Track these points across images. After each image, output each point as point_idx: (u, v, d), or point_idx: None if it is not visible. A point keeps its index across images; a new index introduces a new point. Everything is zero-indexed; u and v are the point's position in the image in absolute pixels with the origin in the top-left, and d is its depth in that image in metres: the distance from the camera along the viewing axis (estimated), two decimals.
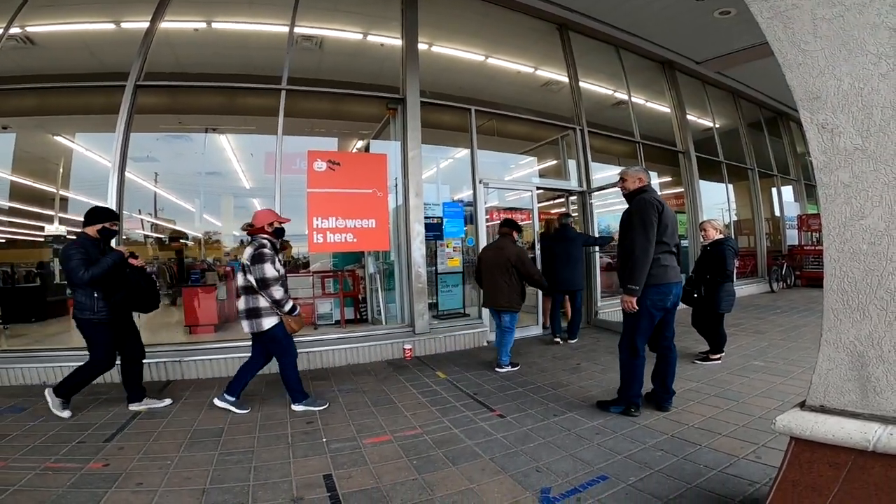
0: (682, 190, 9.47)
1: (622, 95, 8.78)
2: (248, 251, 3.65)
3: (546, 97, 8.09)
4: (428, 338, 5.81)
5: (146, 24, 5.37)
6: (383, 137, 6.77)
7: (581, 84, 7.84)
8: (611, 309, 7.30)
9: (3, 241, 8.24)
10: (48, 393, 3.64)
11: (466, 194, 6.88)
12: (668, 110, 9.57)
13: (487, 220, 6.83)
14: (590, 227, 7.44)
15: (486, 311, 6.24)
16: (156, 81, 5.36)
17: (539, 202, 7.51)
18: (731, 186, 10.76)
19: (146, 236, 10.64)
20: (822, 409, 1.53)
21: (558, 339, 6.11)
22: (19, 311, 7.38)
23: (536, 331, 6.73)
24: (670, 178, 10.12)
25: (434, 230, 6.38)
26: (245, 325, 3.73)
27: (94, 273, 3.44)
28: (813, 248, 11.46)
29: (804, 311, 7.70)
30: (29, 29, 5.56)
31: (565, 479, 2.54)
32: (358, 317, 6.93)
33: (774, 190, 12.42)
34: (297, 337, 4.97)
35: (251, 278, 3.59)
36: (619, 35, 8.30)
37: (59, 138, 7.89)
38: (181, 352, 4.92)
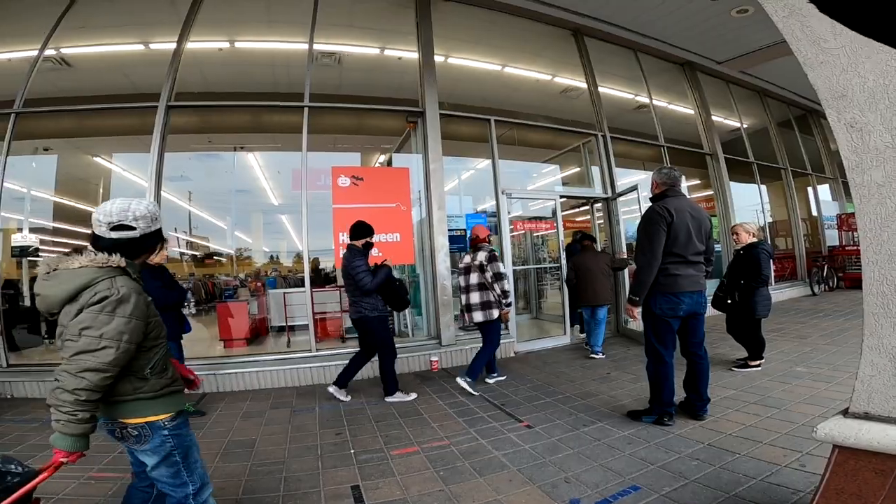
0: (712, 192, 9.23)
1: (643, 99, 8.65)
2: (482, 255, 4.60)
3: (565, 104, 8.06)
4: (454, 349, 5.80)
5: (173, 45, 5.62)
6: (405, 151, 6.85)
7: (600, 89, 7.77)
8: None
9: None
10: (333, 389, 4.45)
11: (489, 205, 6.88)
12: (692, 112, 9.39)
13: (511, 231, 6.79)
14: (615, 235, 7.31)
15: (512, 322, 6.20)
16: (186, 102, 5.59)
17: (563, 210, 7.43)
18: (763, 187, 10.39)
19: (181, 253, 11.00)
20: (867, 416, 1.45)
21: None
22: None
23: (565, 340, 6.63)
24: (699, 181, 9.88)
25: (458, 242, 6.39)
26: (479, 316, 4.61)
27: (377, 282, 4.29)
28: (855, 248, 10.92)
29: (849, 314, 7.33)
30: (63, 51, 5.88)
31: (595, 489, 2.48)
32: None
33: (810, 189, 11.96)
34: (327, 351, 5.10)
35: (488, 275, 4.53)
36: (634, 38, 8.22)
37: (97, 159, 8.28)
38: (216, 365, 5.05)
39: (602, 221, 7.71)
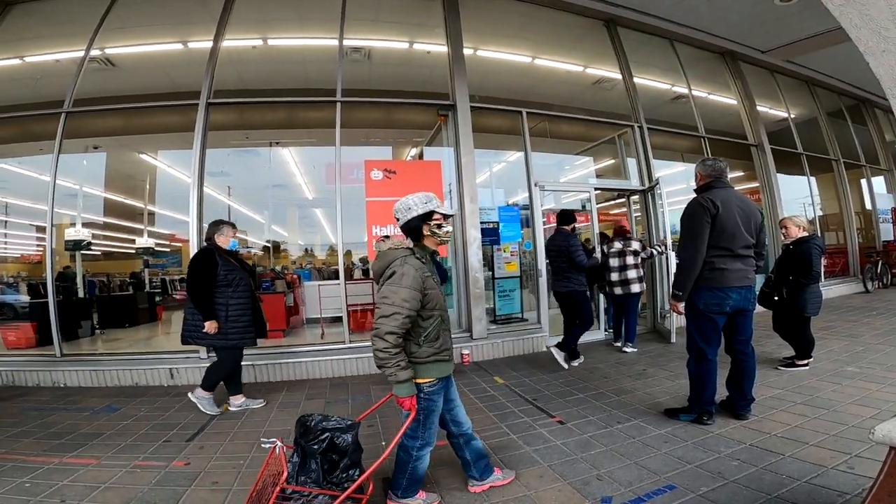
0: (757, 185, 8.83)
1: (681, 89, 8.36)
2: (636, 244, 5.63)
3: (599, 95, 7.88)
4: (485, 343, 5.78)
5: (210, 44, 5.77)
6: (436, 144, 6.85)
7: (636, 80, 7.55)
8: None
9: (100, 253, 9.10)
10: (554, 350, 5.10)
11: (522, 197, 6.80)
12: (734, 102, 9.01)
13: (544, 223, 6.70)
14: (653, 227, 7.10)
15: (544, 316, 6.14)
16: (224, 99, 5.74)
17: (597, 203, 7.28)
18: (813, 179, 9.85)
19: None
20: None
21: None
22: (114, 317, 8.14)
23: (598, 335, 6.50)
24: (742, 173, 9.46)
25: (490, 235, 6.34)
26: (636, 287, 5.55)
27: (592, 262, 5.10)
28: None
29: None
30: (108, 51, 6.15)
31: (628, 487, 2.43)
32: None
33: (864, 181, 11.30)
34: (358, 343, 5.12)
35: (643, 255, 5.61)
36: (670, 28, 7.97)
37: (143, 156, 8.64)
38: (253, 356, 5.20)
39: (639, 214, 7.51)
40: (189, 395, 4.10)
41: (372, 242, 5.45)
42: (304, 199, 10.66)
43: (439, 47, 6.49)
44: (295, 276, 8.90)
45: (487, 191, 7.00)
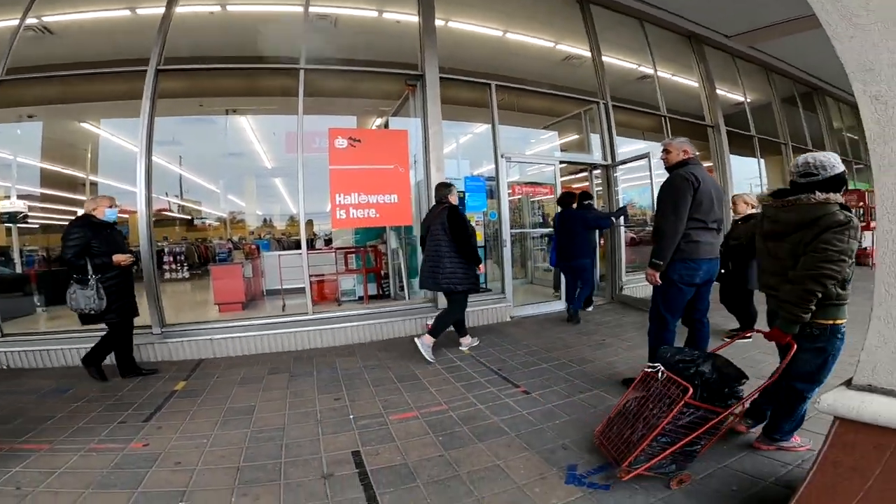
0: (711, 164, 9.18)
1: (647, 69, 8.47)
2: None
3: (568, 72, 7.86)
4: None
5: (162, 10, 5.35)
6: (402, 114, 6.69)
7: (604, 58, 7.61)
8: (635, 285, 7.19)
9: (37, 226, 8.50)
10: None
11: (487, 169, 6.78)
12: (695, 84, 9.25)
13: (510, 195, 6.72)
14: (613, 201, 7.29)
15: (508, 286, 6.23)
16: (175, 66, 5.35)
17: (561, 176, 7.38)
18: (762, 161, 10.45)
19: (174, 218, 10.88)
20: (870, 389, 1.45)
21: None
22: (56, 293, 7.64)
23: (560, 306, 6.68)
24: (699, 152, 9.73)
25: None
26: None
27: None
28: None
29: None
30: (45, 19, 5.58)
31: (592, 454, 2.54)
32: (381, 293, 7.00)
33: None
34: (321, 314, 5.03)
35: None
36: (642, 8, 8.01)
37: (85, 125, 8.02)
38: (211, 330, 5.05)
39: (601, 188, 7.69)
40: (416, 339, 4.55)
41: (335, 211, 5.33)
42: (263, 168, 10.26)
43: (409, 17, 6.25)
44: (254, 247, 8.61)
45: (454, 161, 6.93)
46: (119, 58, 5.58)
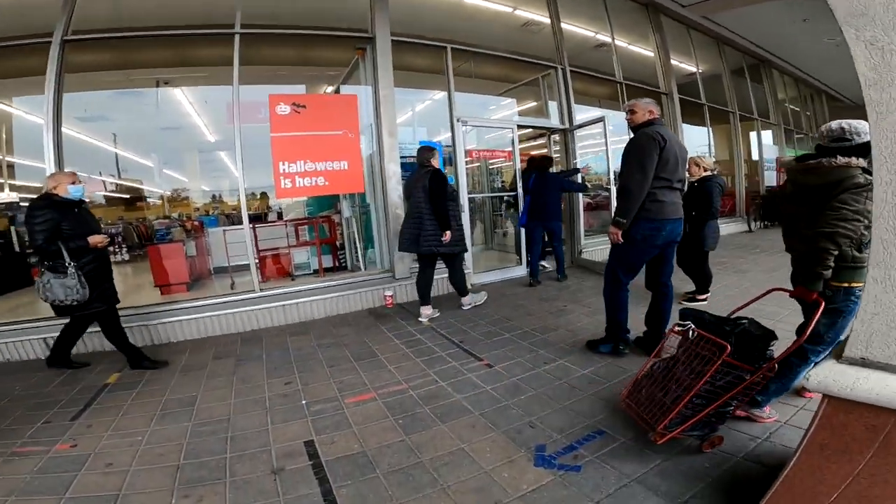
0: None
1: (605, 37, 8.36)
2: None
3: (526, 38, 7.65)
4: (409, 283, 5.59)
5: None
6: (353, 82, 6.25)
7: (563, 24, 7.42)
8: (594, 248, 7.19)
9: None
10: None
11: (445, 137, 6.50)
12: (651, 54, 9.26)
13: (467, 161, 6.48)
14: (570, 165, 7.22)
15: (469, 253, 6.07)
16: (83, 35, 4.71)
17: (520, 143, 7.23)
18: (711, 129, 10.75)
19: (108, 197, 10.07)
20: (864, 363, 1.32)
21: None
22: None
23: (521, 271, 6.59)
24: None
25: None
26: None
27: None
28: None
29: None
30: None
31: (561, 433, 2.43)
32: (337, 265, 6.73)
33: (754, 134, 12.62)
34: (272, 290, 4.81)
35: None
36: None
37: None
38: (149, 315, 4.62)
39: (559, 154, 7.63)
40: (463, 307, 5.02)
41: (279, 180, 4.97)
42: (205, 141, 9.51)
43: None
44: (197, 224, 8.02)
45: (409, 129, 6.64)
46: (30, 32, 4.89)
